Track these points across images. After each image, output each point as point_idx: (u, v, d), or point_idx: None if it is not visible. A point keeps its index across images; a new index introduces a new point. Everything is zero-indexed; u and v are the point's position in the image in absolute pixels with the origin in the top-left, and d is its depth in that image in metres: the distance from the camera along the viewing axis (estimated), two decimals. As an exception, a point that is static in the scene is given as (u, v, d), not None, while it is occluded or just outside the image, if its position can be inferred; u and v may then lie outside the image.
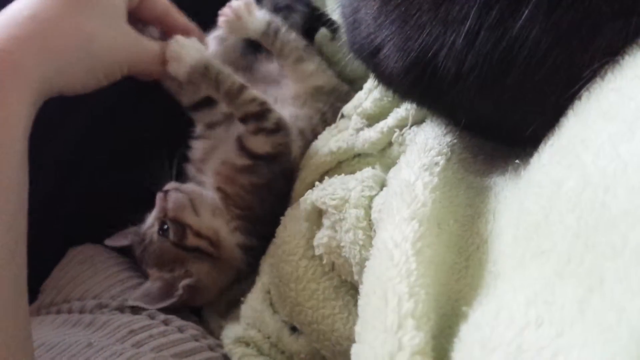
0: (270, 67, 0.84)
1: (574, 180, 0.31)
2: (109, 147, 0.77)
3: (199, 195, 0.74)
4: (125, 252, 0.77)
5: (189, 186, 0.76)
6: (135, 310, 0.66)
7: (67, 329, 0.64)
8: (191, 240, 0.71)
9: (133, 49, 0.62)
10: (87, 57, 0.55)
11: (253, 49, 0.84)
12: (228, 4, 0.74)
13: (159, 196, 0.74)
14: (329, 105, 0.79)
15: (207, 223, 0.72)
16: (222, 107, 0.76)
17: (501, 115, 0.42)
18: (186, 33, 0.70)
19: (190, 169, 0.79)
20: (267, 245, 0.68)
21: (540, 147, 0.37)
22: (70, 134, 0.72)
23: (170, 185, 0.75)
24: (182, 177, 0.79)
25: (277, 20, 0.78)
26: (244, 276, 0.75)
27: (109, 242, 0.77)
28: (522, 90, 0.38)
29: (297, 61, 0.79)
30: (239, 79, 0.71)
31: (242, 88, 0.70)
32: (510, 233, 0.36)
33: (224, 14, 0.74)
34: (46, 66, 0.51)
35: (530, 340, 0.27)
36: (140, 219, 0.76)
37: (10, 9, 0.51)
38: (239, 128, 0.72)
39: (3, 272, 0.44)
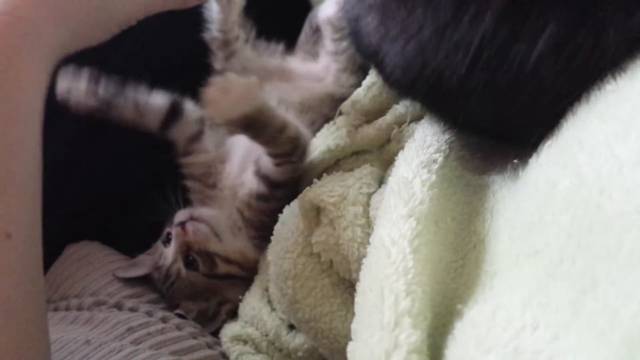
0: (292, 64, 0.82)
1: (569, 180, 0.31)
2: (106, 144, 0.76)
3: (216, 219, 0.72)
4: (122, 249, 0.77)
5: (202, 212, 0.73)
6: (133, 307, 0.66)
7: (65, 326, 0.64)
8: (222, 268, 0.70)
9: None
10: (102, 15, 0.52)
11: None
12: None
13: (177, 231, 0.70)
14: (335, 111, 0.75)
15: (232, 247, 0.70)
16: (192, 114, 0.73)
17: (502, 119, 0.42)
18: None
19: (194, 185, 0.76)
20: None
21: (539, 147, 0.37)
22: (67, 131, 0.72)
23: (184, 215, 0.72)
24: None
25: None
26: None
27: (120, 273, 0.73)
28: (524, 99, 0.38)
29: (344, 70, 0.78)
30: (281, 118, 0.65)
31: (283, 129, 0.64)
32: (506, 233, 0.36)
33: None
34: (62, 31, 0.49)
35: (527, 343, 0.27)
36: (147, 243, 0.75)
37: None
38: (257, 152, 0.69)
39: (25, 255, 0.43)
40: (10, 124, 0.43)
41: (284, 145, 0.65)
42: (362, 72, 0.78)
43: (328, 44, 0.78)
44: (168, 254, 0.71)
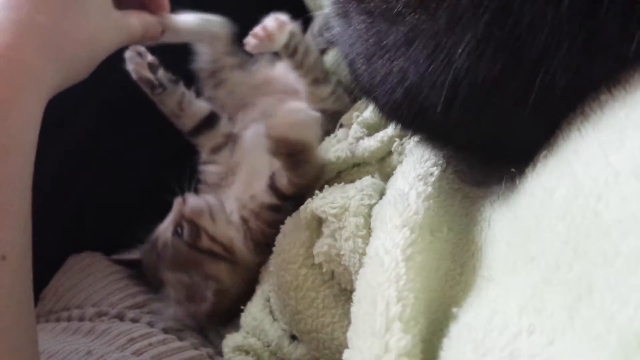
0: (275, 73, 0.84)
1: (566, 189, 0.31)
2: (108, 155, 0.77)
3: (218, 207, 0.74)
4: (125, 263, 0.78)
5: (209, 197, 0.76)
6: (135, 318, 0.66)
7: (67, 336, 0.64)
8: (205, 243, 0.71)
9: (124, 35, 0.60)
10: (89, 55, 0.55)
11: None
12: (261, 25, 0.73)
13: (178, 201, 0.74)
14: (332, 125, 0.77)
15: (222, 232, 0.72)
16: (223, 128, 0.77)
17: (489, 143, 0.43)
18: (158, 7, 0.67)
19: (206, 190, 0.79)
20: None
21: (535, 158, 0.37)
22: (69, 142, 0.73)
23: (190, 195, 0.75)
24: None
25: (299, 34, 0.77)
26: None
27: (115, 257, 0.76)
28: (515, 117, 0.39)
29: (314, 83, 0.79)
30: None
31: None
32: (504, 240, 0.36)
33: (256, 36, 0.72)
34: (58, 74, 0.51)
35: (523, 348, 0.28)
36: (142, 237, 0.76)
37: (15, 9, 0.49)
38: (259, 152, 0.72)
39: (17, 275, 0.46)
40: (9, 156, 0.46)
41: (307, 176, 0.67)
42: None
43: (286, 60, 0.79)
44: (164, 224, 0.74)
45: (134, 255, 0.76)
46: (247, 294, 0.71)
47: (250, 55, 0.80)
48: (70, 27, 0.52)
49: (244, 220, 0.73)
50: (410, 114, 0.43)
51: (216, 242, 0.71)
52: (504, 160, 0.41)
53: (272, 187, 0.70)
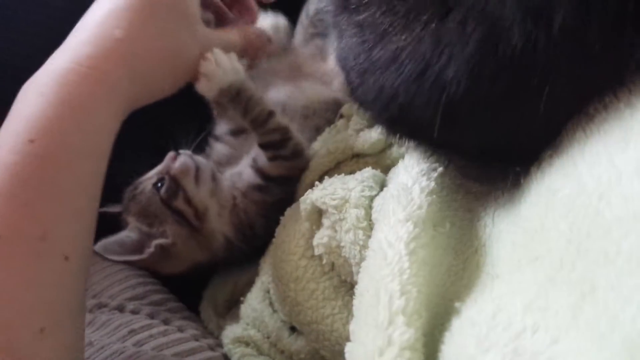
0: (300, 59, 0.83)
1: (569, 188, 0.31)
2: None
3: (208, 173, 0.74)
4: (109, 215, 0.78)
5: (204, 161, 0.75)
6: (135, 309, 0.66)
7: (68, 327, 0.64)
8: (179, 203, 0.71)
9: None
10: (169, 71, 0.57)
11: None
12: None
13: (170, 155, 0.74)
14: (339, 116, 0.77)
15: (201, 196, 0.72)
16: None
17: (497, 148, 0.43)
18: (252, 19, 0.69)
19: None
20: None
21: (540, 157, 0.37)
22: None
23: (186, 151, 0.75)
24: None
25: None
26: (220, 266, 0.76)
27: (101, 210, 0.75)
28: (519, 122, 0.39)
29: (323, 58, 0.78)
30: (267, 104, 0.69)
31: (269, 116, 0.68)
32: (509, 239, 0.37)
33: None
34: (135, 88, 0.53)
35: (527, 345, 0.28)
36: None
37: (95, 25, 0.53)
38: (256, 149, 0.72)
39: (77, 277, 0.48)
40: (84, 160, 0.49)
41: (270, 133, 0.68)
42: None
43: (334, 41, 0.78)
44: (151, 172, 0.75)
45: (118, 208, 0.76)
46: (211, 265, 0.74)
47: None
48: (149, 43, 0.54)
49: (233, 198, 0.73)
50: (407, 130, 0.44)
51: (191, 205, 0.71)
52: (506, 164, 0.41)
53: (255, 167, 0.71)
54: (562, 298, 0.28)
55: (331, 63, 0.79)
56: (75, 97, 0.48)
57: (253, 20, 0.70)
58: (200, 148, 0.80)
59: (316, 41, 0.82)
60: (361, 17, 0.41)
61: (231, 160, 0.78)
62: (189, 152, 0.76)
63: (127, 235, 0.72)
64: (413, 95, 0.38)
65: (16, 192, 0.44)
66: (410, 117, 0.41)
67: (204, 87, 0.63)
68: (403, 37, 0.38)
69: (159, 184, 0.72)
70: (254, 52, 0.68)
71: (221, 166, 0.78)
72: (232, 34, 0.65)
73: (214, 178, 0.74)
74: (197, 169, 0.73)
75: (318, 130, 0.75)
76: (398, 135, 0.48)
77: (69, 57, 0.50)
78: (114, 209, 0.76)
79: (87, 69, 0.49)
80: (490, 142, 0.41)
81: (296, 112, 0.76)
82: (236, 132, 0.78)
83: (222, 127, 0.79)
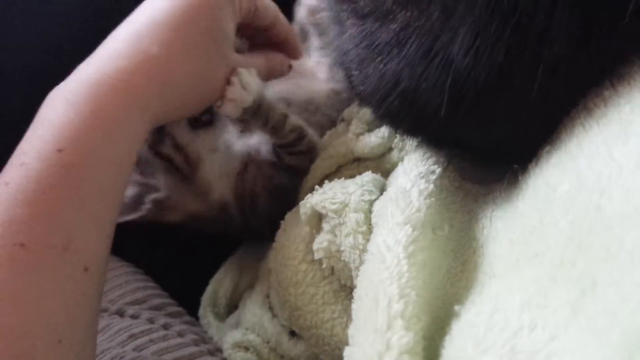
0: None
1: (569, 184, 0.31)
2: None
3: (217, 133, 0.72)
4: (124, 257, 0.77)
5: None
6: (135, 314, 0.66)
7: (67, 332, 0.64)
8: (166, 149, 0.69)
9: None
10: (195, 89, 0.58)
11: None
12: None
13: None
14: (340, 119, 0.76)
15: (196, 146, 0.70)
16: None
17: (500, 139, 0.42)
18: (288, 47, 0.70)
19: None
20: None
21: (538, 153, 0.37)
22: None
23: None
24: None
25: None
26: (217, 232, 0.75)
27: (122, 219, 0.72)
28: (510, 125, 0.39)
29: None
30: (281, 108, 0.68)
31: (284, 119, 0.67)
32: (506, 237, 0.36)
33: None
34: (164, 103, 0.54)
35: (524, 343, 0.28)
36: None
37: (131, 37, 0.53)
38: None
39: (96, 287, 0.48)
40: (108, 169, 0.49)
41: (287, 135, 0.68)
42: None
43: (314, 39, 0.78)
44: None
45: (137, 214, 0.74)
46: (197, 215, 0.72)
47: None
48: (182, 63, 0.55)
49: (244, 164, 0.72)
50: (409, 120, 0.43)
51: (180, 151, 0.69)
52: (508, 160, 0.41)
53: (275, 152, 0.71)
54: (561, 295, 0.28)
55: (314, 58, 0.80)
56: (106, 109, 0.49)
57: (294, 54, 0.71)
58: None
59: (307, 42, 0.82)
60: (362, 3, 0.41)
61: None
62: None
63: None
64: (418, 78, 0.38)
65: (41, 200, 0.44)
66: (413, 107, 0.40)
67: (230, 110, 0.62)
68: (408, 13, 0.37)
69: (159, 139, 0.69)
70: (272, 77, 0.69)
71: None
72: (257, 60, 0.65)
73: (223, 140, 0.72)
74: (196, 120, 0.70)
75: (322, 128, 0.75)
76: (400, 131, 0.47)
77: (101, 68, 0.50)
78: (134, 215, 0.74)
79: (120, 82, 0.50)
80: (491, 133, 0.40)
81: (300, 108, 0.76)
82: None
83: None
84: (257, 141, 0.73)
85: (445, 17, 0.35)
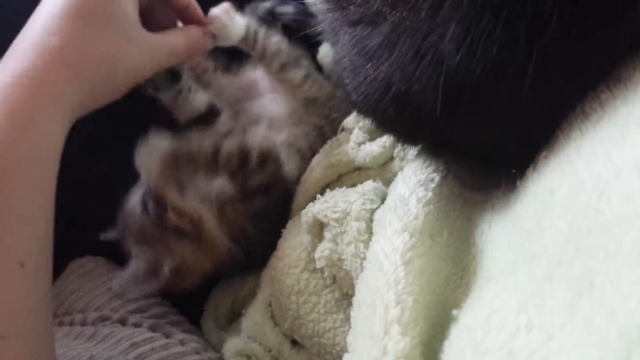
0: (254, 75, 0.82)
1: (567, 187, 0.31)
2: (107, 162, 0.77)
3: (190, 181, 0.71)
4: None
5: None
6: (137, 323, 0.66)
7: (69, 341, 0.64)
8: (171, 219, 0.68)
9: (163, 56, 0.63)
10: (114, 78, 0.58)
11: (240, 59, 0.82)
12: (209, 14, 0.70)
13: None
14: (324, 119, 0.77)
15: (190, 204, 0.69)
16: (220, 127, 0.74)
17: (490, 147, 0.43)
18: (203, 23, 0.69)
19: None
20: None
21: (535, 158, 0.37)
22: (67, 149, 0.73)
23: None
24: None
25: (256, 23, 0.75)
26: (222, 277, 0.74)
27: (104, 236, 0.74)
28: (506, 129, 0.39)
29: (282, 69, 0.76)
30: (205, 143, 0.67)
31: (215, 151, 0.67)
32: (504, 240, 0.37)
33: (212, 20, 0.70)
34: (79, 93, 0.54)
35: (521, 345, 0.28)
36: None
37: (33, 35, 0.53)
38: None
39: (36, 282, 0.48)
40: (28, 165, 0.49)
41: (228, 161, 0.66)
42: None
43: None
44: (135, 197, 0.71)
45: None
46: (213, 277, 0.72)
47: (233, 58, 0.80)
48: (85, 49, 0.55)
49: (220, 213, 0.70)
50: (404, 125, 0.43)
51: (183, 216, 0.68)
52: (506, 165, 0.41)
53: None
54: (558, 295, 0.28)
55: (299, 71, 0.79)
56: (19, 110, 0.49)
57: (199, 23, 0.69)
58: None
59: None
60: (352, 9, 0.41)
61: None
62: None
63: (136, 266, 0.69)
64: (409, 79, 0.38)
65: None
66: (406, 110, 0.40)
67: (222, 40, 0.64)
68: (398, 13, 0.37)
69: (146, 206, 0.69)
70: (198, 52, 0.68)
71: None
72: (176, 37, 0.65)
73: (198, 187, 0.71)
74: (178, 179, 0.69)
75: (307, 136, 0.76)
76: (399, 138, 0.47)
77: (9, 71, 0.51)
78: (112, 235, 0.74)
79: (29, 80, 0.51)
80: (488, 135, 0.40)
81: (282, 124, 0.76)
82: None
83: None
84: (219, 183, 0.72)
85: (434, 12, 0.35)
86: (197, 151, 0.64)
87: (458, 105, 0.38)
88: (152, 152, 0.58)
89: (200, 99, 0.74)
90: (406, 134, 0.47)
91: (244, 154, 0.67)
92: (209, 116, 0.75)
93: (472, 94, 0.36)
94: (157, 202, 0.68)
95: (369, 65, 0.41)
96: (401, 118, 0.42)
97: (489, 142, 0.42)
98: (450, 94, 0.37)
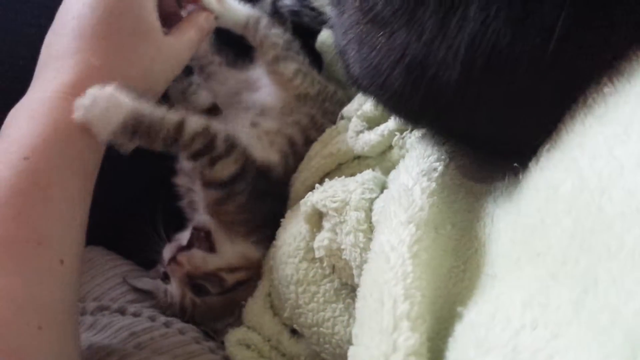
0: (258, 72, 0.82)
1: (571, 183, 0.31)
2: (109, 147, 0.77)
3: (204, 234, 0.70)
4: (125, 254, 0.77)
5: (183, 236, 0.72)
6: (136, 312, 0.66)
7: (68, 331, 0.64)
8: (230, 279, 0.68)
9: (185, 54, 0.65)
10: (150, 87, 0.61)
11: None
12: None
13: (172, 268, 0.69)
14: (316, 109, 0.77)
15: (231, 254, 0.69)
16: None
17: (497, 132, 0.42)
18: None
19: (185, 183, 0.76)
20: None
21: (538, 152, 0.37)
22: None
23: (170, 250, 0.71)
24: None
25: (259, 13, 0.76)
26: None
27: (131, 280, 0.73)
28: (518, 109, 0.38)
29: (275, 61, 0.76)
30: (171, 115, 0.61)
31: (180, 126, 0.62)
32: (507, 236, 0.36)
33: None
34: (90, 158, 0.57)
35: (526, 343, 0.28)
36: (150, 247, 0.73)
37: (71, 52, 0.56)
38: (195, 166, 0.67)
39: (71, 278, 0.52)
40: (72, 175, 0.54)
41: (192, 142, 0.63)
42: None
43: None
44: (173, 292, 0.69)
45: (149, 284, 0.73)
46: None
47: (237, 54, 0.81)
48: (125, 66, 0.58)
49: (216, 216, 0.70)
50: (418, 97, 0.42)
51: (236, 270, 0.68)
52: (509, 154, 0.41)
53: (207, 184, 0.67)
54: (563, 294, 0.28)
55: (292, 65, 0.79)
56: (62, 121, 0.53)
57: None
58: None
59: None
60: None
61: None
62: (171, 246, 0.71)
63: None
64: (429, 45, 0.37)
65: (12, 202, 0.49)
66: (422, 80, 0.39)
67: (98, 133, 0.56)
68: None
69: (202, 289, 0.68)
70: (206, 35, 0.69)
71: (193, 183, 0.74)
72: (189, 31, 0.66)
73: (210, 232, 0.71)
74: (200, 248, 0.69)
75: (299, 124, 0.76)
76: (406, 115, 0.47)
77: (54, 85, 0.55)
78: (144, 285, 0.73)
79: (72, 97, 0.54)
80: (496, 117, 0.40)
81: (274, 113, 0.76)
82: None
83: (180, 161, 0.75)
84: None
85: None
86: (159, 118, 0.60)
87: (474, 71, 0.37)
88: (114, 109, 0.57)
89: (205, 95, 0.75)
90: (410, 112, 0.46)
91: (210, 139, 0.64)
92: (210, 114, 0.75)
93: (494, 62, 0.36)
94: (211, 279, 0.68)
95: (381, 33, 0.40)
96: (410, 92, 0.41)
97: (496, 126, 0.41)
98: (470, 63, 0.36)
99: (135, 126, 0.58)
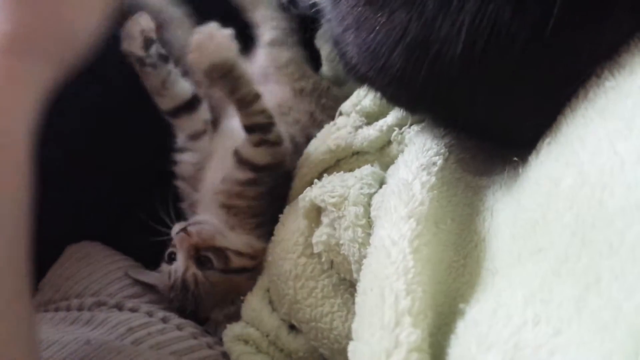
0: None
1: (572, 178, 0.31)
2: (106, 146, 0.76)
3: (211, 220, 0.71)
4: (123, 250, 0.77)
5: (197, 217, 0.72)
6: (134, 307, 0.66)
7: (66, 326, 0.64)
8: (236, 262, 0.68)
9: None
10: (77, 38, 0.56)
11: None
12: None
13: (181, 237, 0.69)
14: (314, 104, 0.78)
15: (238, 241, 0.69)
16: (203, 114, 0.74)
17: (497, 116, 0.42)
18: None
19: (183, 186, 0.76)
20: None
21: (538, 145, 0.37)
22: (67, 133, 0.72)
23: (180, 225, 0.71)
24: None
25: None
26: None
27: (133, 273, 0.73)
28: (519, 89, 0.38)
29: (271, 43, 0.77)
30: (255, 87, 0.68)
31: (256, 97, 0.67)
32: (507, 231, 0.36)
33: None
34: (43, 67, 0.52)
35: (528, 339, 0.28)
36: (149, 243, 0.73)
37: None
38: (235, 140, 0.70)
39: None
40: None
41: (257, 115, 0.68)
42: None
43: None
44: (178, 265, 0.69)
45: (151, 278, 0.72)
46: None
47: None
48: (40, 24, 0.53)
49: (227, 208, 0.70)
50: (412, 83, 0.42)
51: (243, 255, 0.68)
52: (509, 146, 0.41)
53: (241, 160, 0.69)
54: (566, 290, 0.28)
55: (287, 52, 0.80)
56: None
57: None
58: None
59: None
60: None
61: (201, 166, 0.75)
62: (181, 223, 0.72)
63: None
64: (431, 23, 0.37)
65: None
66: (421, 61, 0.39)
67: (196, 59, 0.64)
68: None
69: (206, 263, 0.68)
70: None
71: (196, 180, 0.75)
72: None
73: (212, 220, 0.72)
74: (210, 224, 0.70)
75: (298, 123, 0.76)
76: (403, 104, 0.47)
77: None
78: (147, 278, 0.73)
79: None
80: (496, 101, 0.40)
81: (274, 111, 0.74)
82: (195, 136, 0.75)
83: (181, 138, 0.76)
84: (215, 172, 0.73)
85: None
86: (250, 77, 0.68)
87: (478, 54, 0.36)
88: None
89: (187, 87, 0.73)
90: (410, 97, 0.46)
91: (270, 122, 0.69)
92: (192, 104, 0.74)
93: (495, 38, 0.35)
94: (217, 253, 0.68)
95: (379, 14, 0.40)
96: (411, 73, 0.41)
97: (496, 109, 0.41)
98: (472, 38, 0.36)
99: (229, 71, 0.65)
